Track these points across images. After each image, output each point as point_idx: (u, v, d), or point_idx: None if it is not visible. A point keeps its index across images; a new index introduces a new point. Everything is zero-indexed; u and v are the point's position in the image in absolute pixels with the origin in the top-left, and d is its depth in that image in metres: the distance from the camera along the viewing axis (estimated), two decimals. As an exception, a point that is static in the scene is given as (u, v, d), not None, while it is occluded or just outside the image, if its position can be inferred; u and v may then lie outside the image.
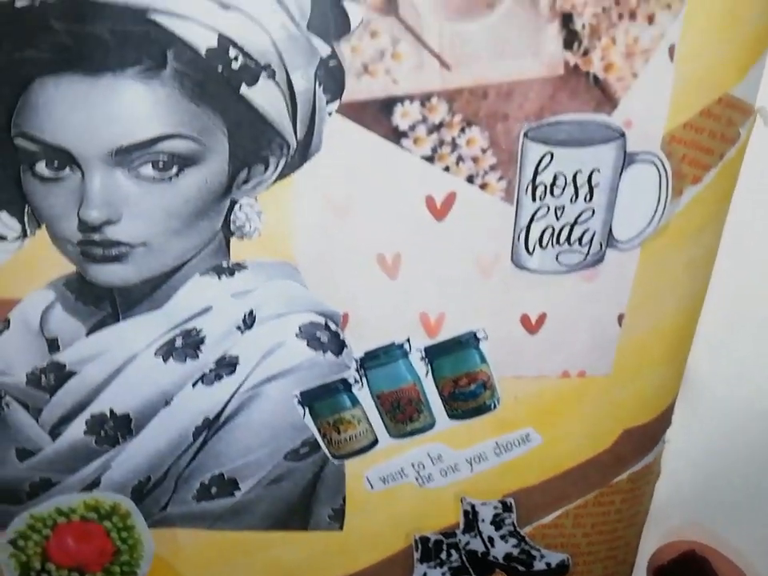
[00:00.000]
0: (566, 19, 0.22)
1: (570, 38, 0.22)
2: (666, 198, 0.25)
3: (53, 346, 0.28)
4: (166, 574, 0.31)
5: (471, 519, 0.30)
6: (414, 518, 0.30)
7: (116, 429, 0.28)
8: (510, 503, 0.30)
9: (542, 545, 0.30)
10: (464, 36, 0.22)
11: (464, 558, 0.30)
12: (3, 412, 0.28)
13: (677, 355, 0.28)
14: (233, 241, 0.26)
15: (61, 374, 0.28)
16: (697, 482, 0.32)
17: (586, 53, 0.22)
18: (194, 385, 0.27)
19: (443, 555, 0.30)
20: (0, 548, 0.30)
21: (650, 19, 0.22)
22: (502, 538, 0.30)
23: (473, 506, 0.29)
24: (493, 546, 0.30)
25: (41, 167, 0.25)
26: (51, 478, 0.29)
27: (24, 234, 0.26)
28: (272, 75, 0.23)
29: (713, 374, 0.30)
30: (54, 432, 0.29)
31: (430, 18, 0.22)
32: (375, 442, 0.28)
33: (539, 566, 0.31)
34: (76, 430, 0.28)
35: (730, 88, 0.24)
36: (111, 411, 0.28)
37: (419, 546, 0.30)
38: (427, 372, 0.27)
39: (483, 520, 0.30)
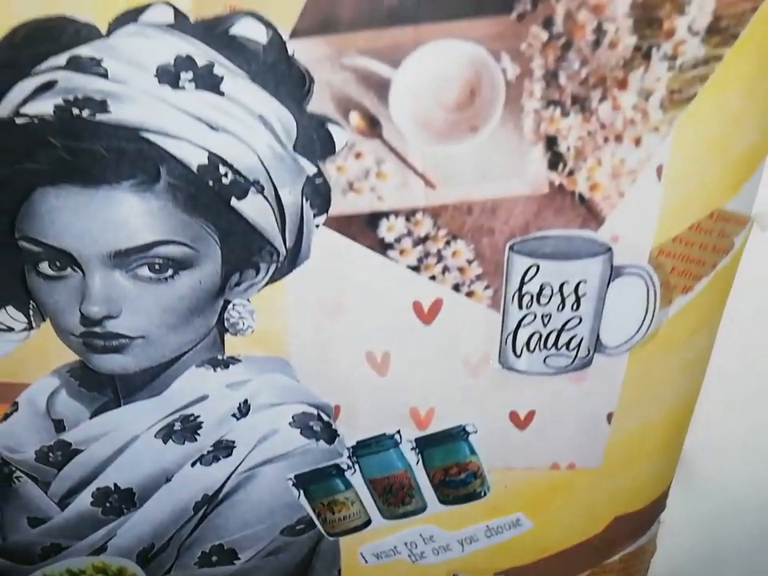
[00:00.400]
0: (551, 142, 0.22)
1: (555, 160, 0.23)
2: (654, 307, 0.25)
3: (59, 426, 0.30)
4: None
5: None
6: None
7: (120, 501, 0.29)
8: None
9: None
10: (448, 158, 0.23)
11: None
12: (15, 485, 0.30)
13: (670, 447, 0.29)
14: (227, 336, 0.27)
15: (67, 452, 0.29)
16: (692, 558, 0.33)
17: (571, 173, 0.23)
18: (192, 464, 0.29)
19: None
20: None
21: (637, 142, 0.22)
22: None
23: None
24: None
25: (44, 267, 0.26)
26: (61, 543, 0.31)
27: (30, 326, 0.28)
28: (261, 190, 0.24)
29: (709, 454, 0.31)
30: (63, 502, 0.30)
31: (414, 141, 0.22)
32: (368, 522, 0.30)
33: None
34: (83, 501, 0.30)
35: (722, 204, 0.24)
36: (115, 485, 0.29)
37: None
38: (418, 461, 0.29)
39: None
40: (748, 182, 0.24)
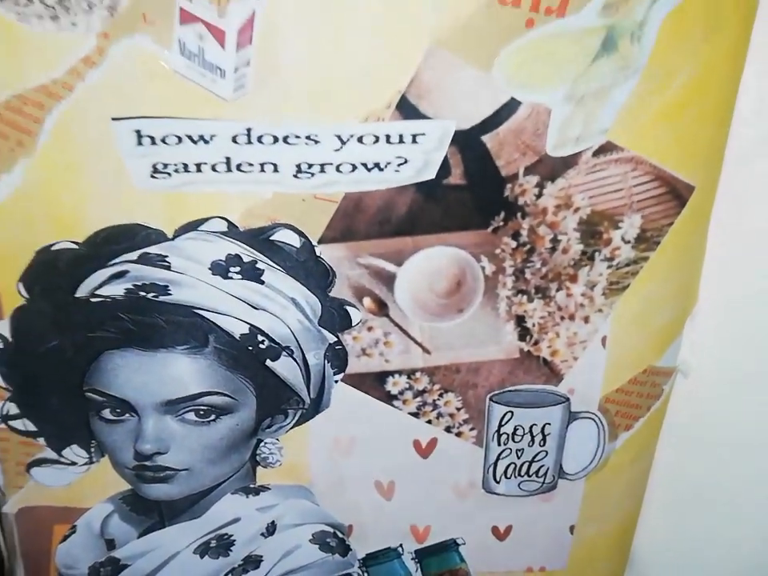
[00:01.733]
0: (520, 320, 0.29)
1: (523, 333, 0.29)
2: (604, 442, 0.31)
3: (110, 545, 0.34)
4: None
5: None
6: None
7: None
8: None
9: None
10: (440, 331, 0.29)
11: None
12: None
13: (621, 551, 0.35)
14: (259, 468, 0.32)
15: (116, 567, 0.33)
16: None
17: (536, 343, 0.29)
18: None
19: None
20: None
21: (586, 320, 0.29)
22: None
23: None
24: None
25: (106, 413, 0.30)
26: None
27: (90, 461, 0.32)
28: (291, 354, 0.29)
29: (654, 561, 0.36)
30: None
31: (414, 319, 0.28)
32: None
33: None
34: None
35: (653, 363, 0.30)
36: None
37: None
38: (417, 569, 0.33)
39: None
40: (671, 345, 0.31)
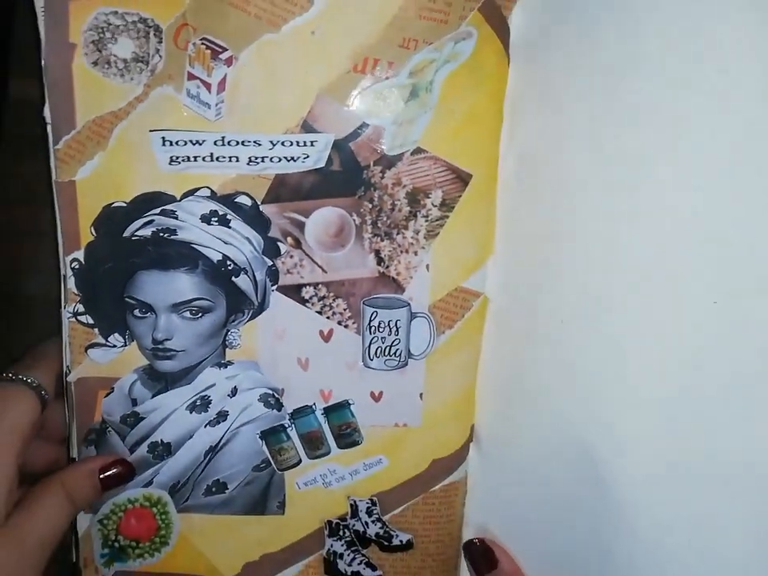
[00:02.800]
0: (377, 252, 0.48)
1: (379, 261, 0.47)
2: (434, 334, 0.48)
3: (134, 402, 0.48)
4: (185, 545, 0.50)
5: (354, 510, 0.50)
6: (324, 508, 0.50)
7: (163, 451, 0.48)
8: (375, 500, 0.50)
9: (396, 528, 0.50)
10: (332, 258, 0.48)
11: (352, 535, 0.50)
12: (107, 436, 0.48)
13: (462, 415, 0.49)
14: (228, 350, 0.48)
15: (137, 418, 0.48)
16: (490, 505, 0.53)
17: (387, 267, 0.48)
18: (204, 426, 0.48)
19: (341, 533, 0.50)
20: (93, 524, 0.49)
21: (416, 253, 0.48)
22: (373, 522, 0.50)
23: (354, 502, 0.50)
24: (368, 527, 0.50)
25: (136, 312, 0.46)
26: None
27: (125, 345, 0.47)
28: (246, 273, 0.46)
29: (494, 432, 0.50)
30: (132, 449, 0.48)
31: (316, 251, 0.48)
32: (299, 461, 0.49)
33: (396, 542, 0.50)
34: (142, 450, 0.48)
35: (460, 284, 0.48)
36: (161, 440, 0.48)
37: (327, 526, 0.50)
38: (325, 421, 0.49)
39: (361, 511, 0.50)
40: (473, 274, 0.48)
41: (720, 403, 0.38)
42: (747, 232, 0.36)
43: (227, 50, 0.44)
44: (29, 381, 0.45)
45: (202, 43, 0.44)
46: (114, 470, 0.47)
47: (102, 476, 0.47)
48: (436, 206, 0.47)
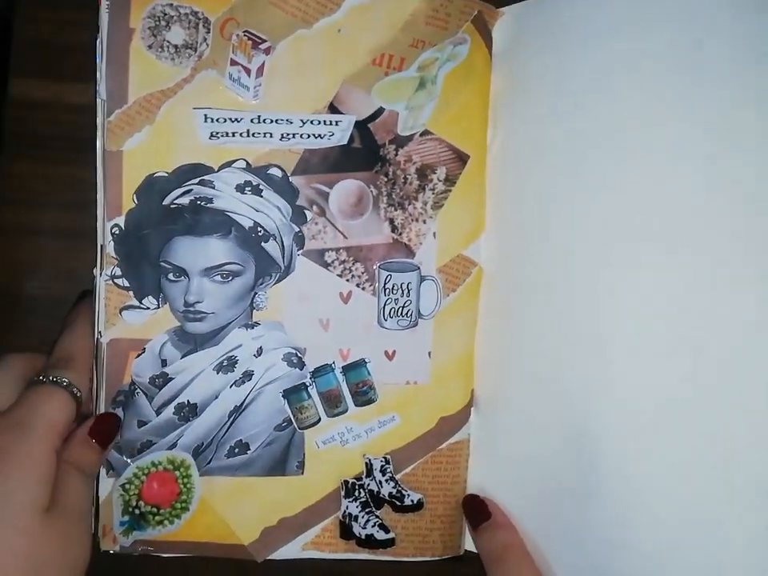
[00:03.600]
0: (391, 221, 0.54)
1: (393, 228, 0.54)
2: (440, 296, 0.54)
3: (163, 363, 0.50)
4: (205, 510, 0.52)
5: (369, 469, 0.53)
6: (340, 468, 0.53)
7: (189, 412, 0.50)
8: (389, 458, 0.53)
9: (407, 487, 0.54)
10: (352, 226, 0.54)
11: (367, 495, 0.53)
12: (135, 397, 0.50)
13: (464, 375, 0.54)
14: (254, 312, 0.52)
15: (166, 379, 0.50)
16: (489, 467, 0.57)
17: (400, 234, 0.55)
18: (230, 386, 0.50)
19: (356, 493, 0.52)
20: (114, 489, 0.50)
21: (424, 222, 0.55)
22: (386, 481, 0.53)
23: (369, 460, 0.53)
24: (382, 487, 0.53)
25: (170, 276, 0.49)
26: (152, 440, 0.50)
27: (158, 306, 0.50)
28: (275, 239, 0.51)
29: (491, 396, 0.55)
30: (158, 411, 0.50)
31: (338, 218, 0.54)
32: (319, 419, 0.52)
33: (407, 501, 0.53)
34: (168, 411, 0.50)
35: (461, 252, 0.55)
36: (188, 401, 0.50)
37: (343, 486, 0.53)
38: (343, 380, 0.52)
39: (375, 469, 0.53)
40: (471, 244, 0.55)
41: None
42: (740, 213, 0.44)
43: (266, 41, 0.52)
44: (61, 381, 0.47)
45: (245, 34, 0.51)
46: (102, 426, 0.49)
47: (93, 438, 0.48)
48: (441, 180, 0.54)
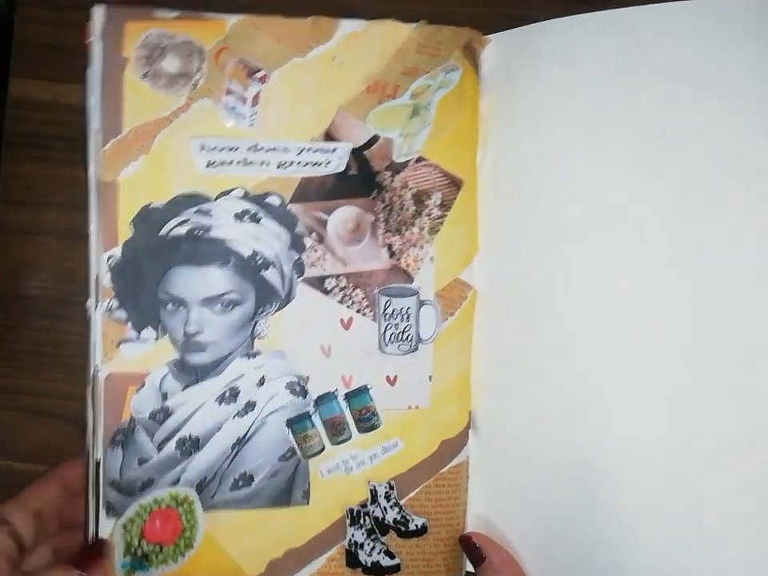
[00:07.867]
0: (389, 246, 0.55)
1: (392, 254, 0.55)
2: (439, 321, 0.54)
3: (164, 397, 0.49)
4: (210, 545, 0.50)
5: (374, 495, 0.52)
6: (345, 495, 0.52)
7: (191, 446, 0.49)
8: (393, 484, 0.52)
9: (411, 512, 0.53)
10: (351, 252, 0.54)
11: (372, 522, 0.53)
12: (134, 434, 0.48)
13: (463, 397, 0.54)
14: (255, 340, 0.51)
15: (167, 413, 0.49)
16: (488, 490, 0.57)
17: (398, 259, 0.55)
18: (233, 418, 0.49)
19: (361, 521, 0.52)
20: (117, 530, 0.49)
21: (421, 247, 0.55)
22: (391, 507, 0.52)
23: (374, 487, 0.52)
24: (386, 513, 0.52)
25: (169, 306, 0.48)
26: (154, 478, 0.49)
27: (156, 338, 0.49)
28: (274, 266, 0.50)
29: (493, 419, 0.55)
30: (159, 447, 0.49)
31: (337, 245, 0.54)
32: (323, 448, 0.51)
33: (412, 526, 0.53)
34: (170, 446, 0.49)
35: (457, 275, 0.56)
36: (190, 435, 0.49)
37: (348, 514, 0.52)
38: (346, 407, 0.52)
39: (380, 495, 0.52)
40: (466, 268, 0.56)
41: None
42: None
43: (261, 69, 0.51)
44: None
45: (240, 63, 0.51)
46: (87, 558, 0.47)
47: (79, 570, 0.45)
48: (437, 206, 0.55)
